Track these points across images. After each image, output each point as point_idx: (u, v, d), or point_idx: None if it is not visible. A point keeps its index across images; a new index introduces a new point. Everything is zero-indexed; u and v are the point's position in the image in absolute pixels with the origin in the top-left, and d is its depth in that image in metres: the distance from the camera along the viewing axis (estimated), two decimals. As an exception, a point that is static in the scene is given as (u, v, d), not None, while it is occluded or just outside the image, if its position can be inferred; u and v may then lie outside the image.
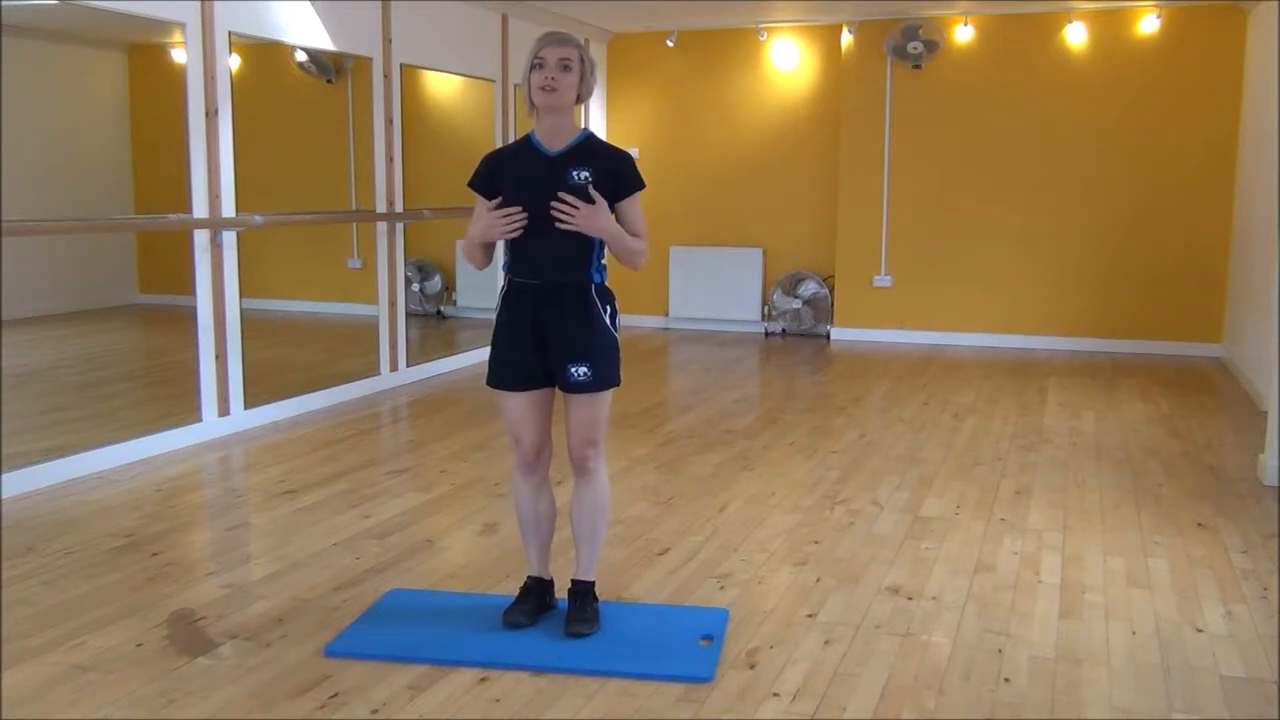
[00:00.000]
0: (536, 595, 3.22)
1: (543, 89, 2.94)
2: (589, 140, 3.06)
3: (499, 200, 3.02)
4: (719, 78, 9.30)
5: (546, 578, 3.25)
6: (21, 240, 5.17)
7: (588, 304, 3.06)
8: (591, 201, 2.96)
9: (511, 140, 3.09)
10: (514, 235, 2.99)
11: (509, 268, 3.10)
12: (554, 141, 3.02)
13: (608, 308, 3.11)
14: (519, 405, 3.10)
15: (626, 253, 3.07)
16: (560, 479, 4.74)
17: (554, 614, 3.21)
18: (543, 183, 2.98)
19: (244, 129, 5.58)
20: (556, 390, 3.13)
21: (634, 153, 9.44)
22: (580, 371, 3.02)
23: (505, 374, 3.10)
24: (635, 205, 3.08)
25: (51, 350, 6.69)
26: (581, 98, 3.03)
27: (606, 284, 3.14)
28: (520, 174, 3.03)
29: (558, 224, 2.94)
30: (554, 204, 2.92)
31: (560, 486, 4.61)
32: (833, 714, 2.69)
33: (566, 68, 2.95)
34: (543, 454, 3.15)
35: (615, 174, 3.02)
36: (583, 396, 3.06)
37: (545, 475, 3.18)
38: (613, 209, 3.04)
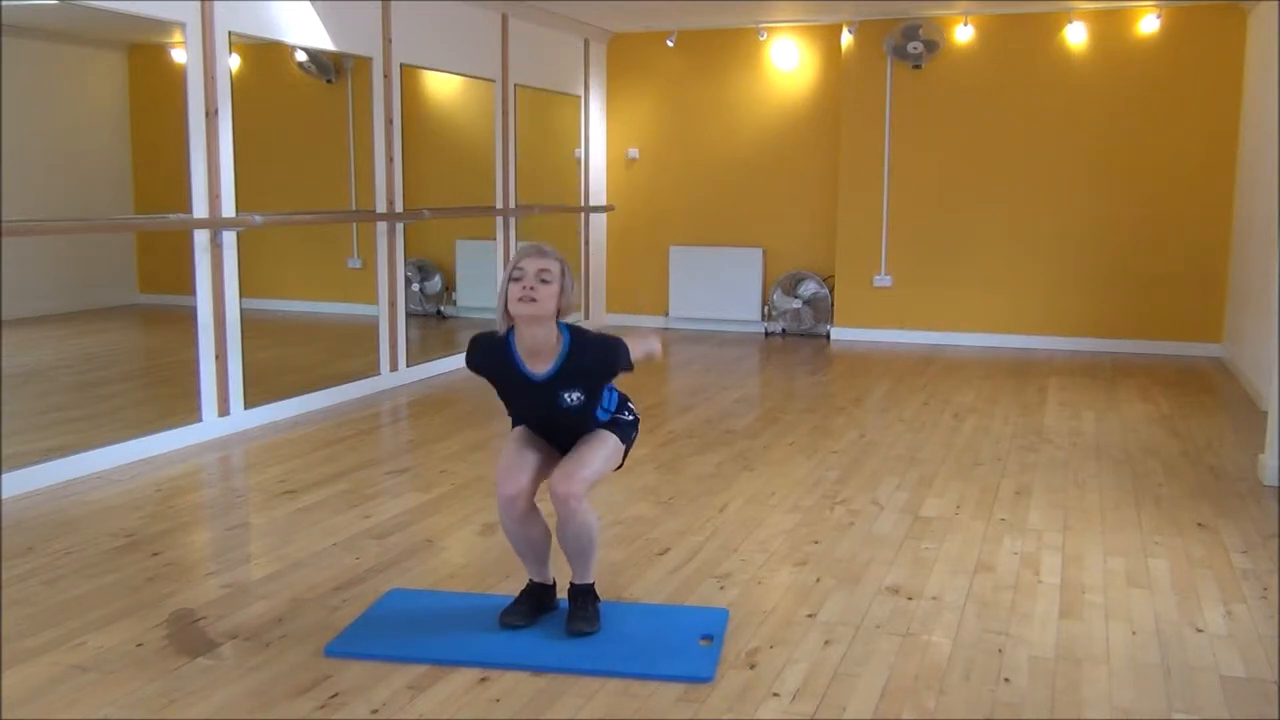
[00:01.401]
0: (535, 597, 3.22)
1: (521, 300, 2.89)
2: (572, 353, 2.98)
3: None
4: (719, 78, 9.30)
5: (548, 583, 3.26)
6: (21, 240, 5.17)
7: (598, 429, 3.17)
8: (587, 404, 3.04)
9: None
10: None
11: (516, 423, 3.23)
12: (537, 362, 2.98)
13: (625, 411, 3.20)
14: (526, 434, 3.13)
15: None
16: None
17: (554, 615, 3.21)
18: (537, 403, 3.05)
19: (244, 129, 5.58)
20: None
21: (633, 154, 9.45)
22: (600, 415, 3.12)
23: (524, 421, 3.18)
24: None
25: (51, 350, 6.68)
26: (562, 311, 2.97)
27: (614, 414, 3.18)
28: (513, 391, 3.09)
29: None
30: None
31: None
32: (833, 714, 2.69)
33: (545, 280, 2.90)
34: (524, 494, 3.04)
35: (609, 374, 3.06)
36: (593, 432, 3.09)
37: (529, 505, 3.07)
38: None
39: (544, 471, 3.10)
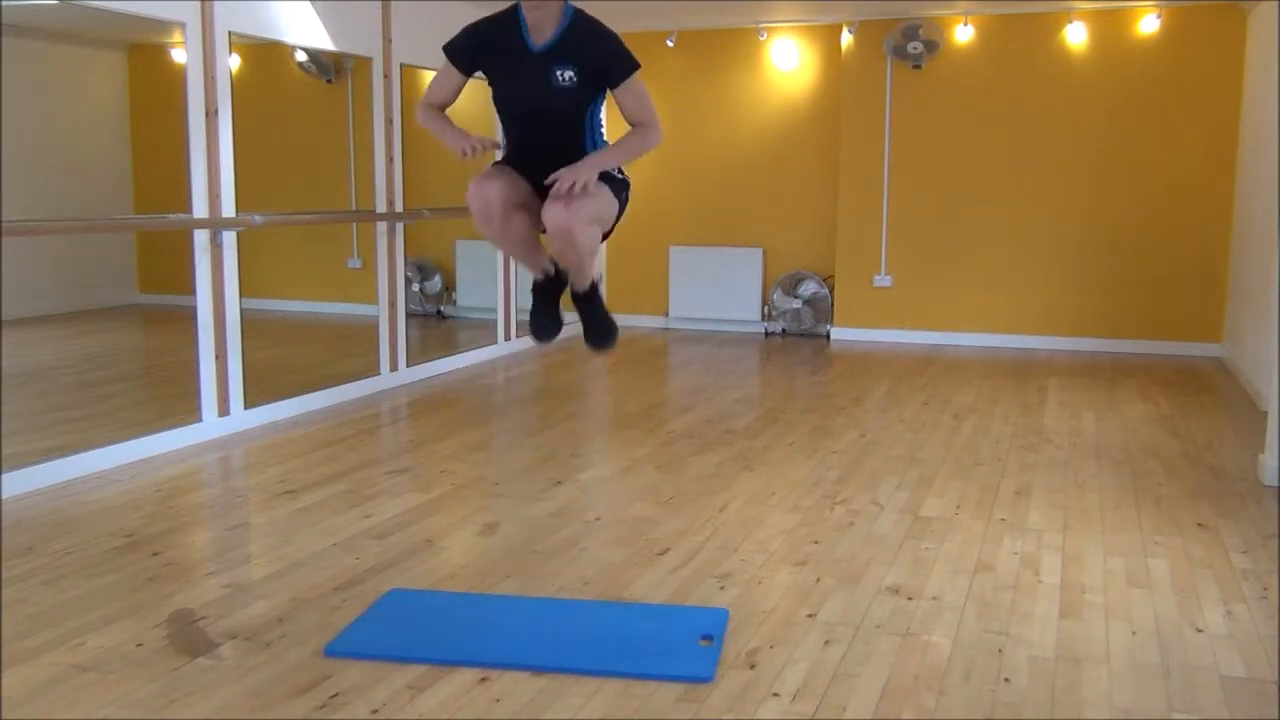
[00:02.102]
0: (547, 293, 2.98)
1: None
2: (573, 26, 2.85)
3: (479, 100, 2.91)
4: (719, 78, 9.30)
5: (551, 272, 3.04)
6: (21, 240, 5.17)
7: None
8: (586, 101, 2.81)
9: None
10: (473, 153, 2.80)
11: (505, 151, 2.98)
12: (540, 31, 2.85)
13: (616, 171, 2.95)
14: (500, 176, 2.84)
15: (635, 155, 2.87)
16: (559, 479, 4.75)
17: (544, 613, 3.20)
18: (528, 79, 2.85)
19: (244, 129, 5.58)
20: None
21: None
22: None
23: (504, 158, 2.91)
24: (633, 89, 2.87)
25: (51, 350, 6.69)
26: None
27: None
28: (505, 67, 2.87)
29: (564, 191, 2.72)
30: (548, 182, 2.73)
31: (559, 488, 4.62)
32: (833, 714, 2.69)
33: None
34: (496, 204, 2.79)
35: (603, 62, 2.85)
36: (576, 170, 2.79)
37: (505, 211, 2.82)
38: (603, 89, 2.87)
39: (518, 192, 2.87)
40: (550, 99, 2.85)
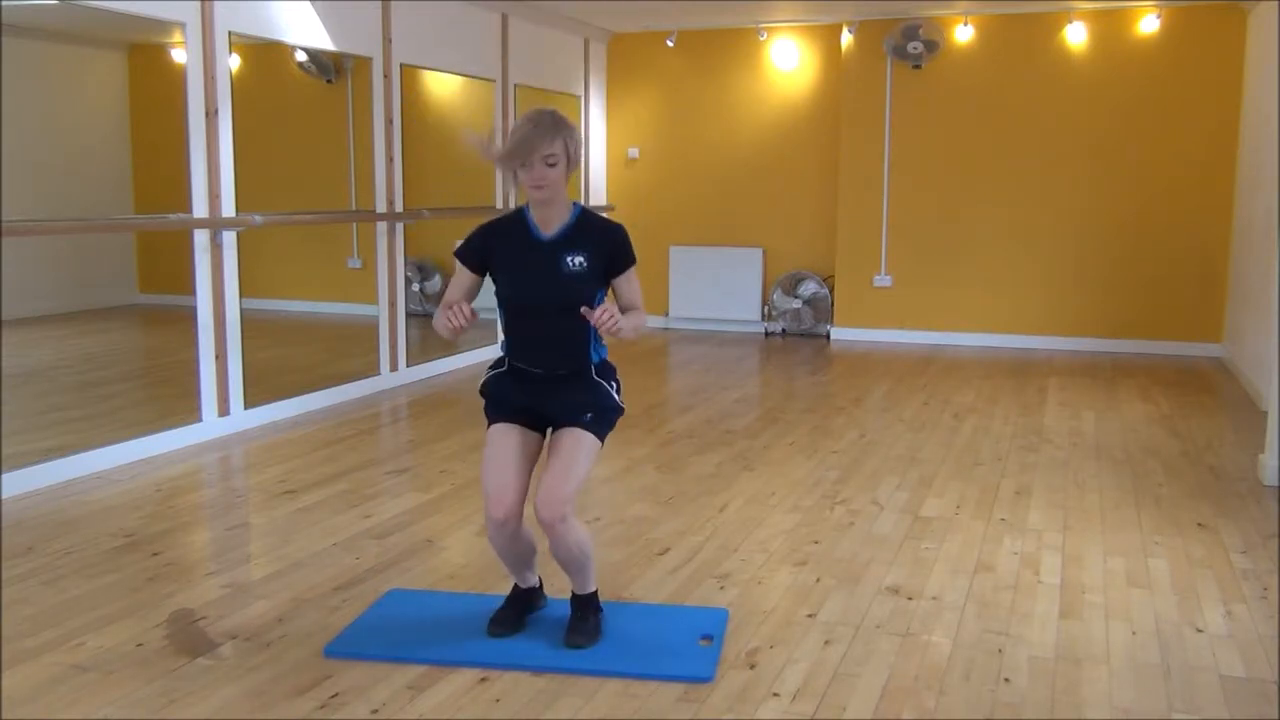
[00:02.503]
0: (522, 603, 3.18)
1: (535, 188, 2.89)
2: (581, 220, 3.01)
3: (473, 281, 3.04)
4: (719, 78, 9.30)
5: (534, 586, 3.22)
6: (21, 240, 5.16)
7: (591, 385, 3.04)
8: (593, 289, 2.97)
9: (505, 212, 3.05)
10: (455, 332, 2.92)
11: (506, 350, 3.08)
12: (548, 224, 2.98)
13: (613, 383, 3.08)
14: (506, 442, 3.00)
15: (634, 335, 3.02)
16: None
17: (547, 614, 3.19)
18: (538, 269, 2.96)
19: (244, 129, 5.58)
20: (542, 445, 3.07)
21: (633, 154, 9.45)
22: (581, 416, 3.00)
23: (499, 410, 3.06)
24: (632, 279, 3.06)
25: (51, 350, 6.68)
26: (571, 169, 2.97)
27: (608, 360, 3.11)
28: (515, 259, 2.99)
29: (602, 329, 2.87)
30: (594, 319, 2.84)
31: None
32: (833, 714, 2.69)
33: (552, 165, 2.88)
34: (514, 516, 2.97)
35: (611, 253, 3.00)
36: (574, 431, 2.97)
37: (519, 524, 3.01)
38: (606, 284, 3.03)
39: (529, 474, 3.02)
40: (559, 285, 2.94)
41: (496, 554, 3.12)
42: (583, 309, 2.83)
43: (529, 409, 3.06)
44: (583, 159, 3.07)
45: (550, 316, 2.95)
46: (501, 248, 3.01)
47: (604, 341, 3.09)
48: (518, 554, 3.09)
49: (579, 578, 3.11)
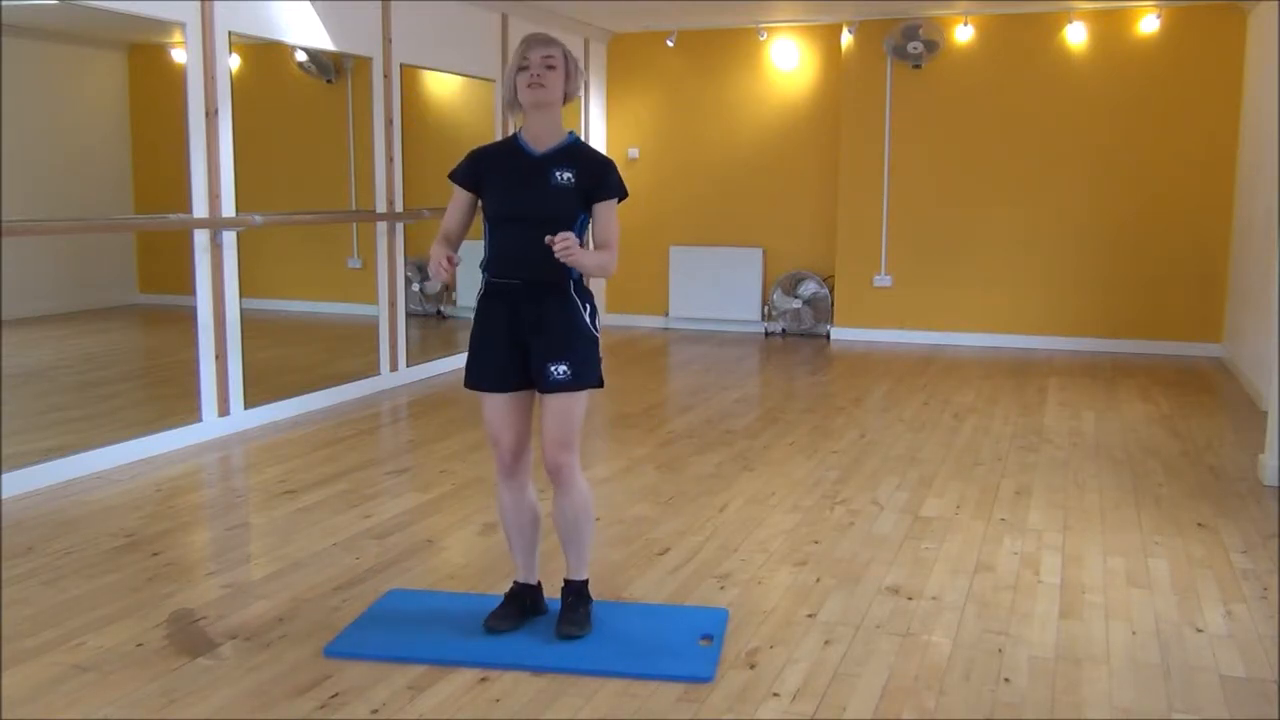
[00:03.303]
0: (521, 601, 3.20)
1: (530, 86, 2.97)
2: (575, 143, 3.08)
3: (469, 198, 3.10)
4: (719, 78, 9.30)
5: (533, 583, 3.24)
6: (21, 240, 5.17)
7: (567, 302, 3.05)
8: (576, 207, 3.01)
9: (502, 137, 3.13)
10: (440, 278, 3.01)
11: (487, 267, 3.09)
12: (540, 142, 3.05)
13: (587, 306, 3.09)
14: (497, 406, 3.09)
15: (597, 273, 3.04)
16: (544, 487, 4.74)
17: (543, 618, 3.20)
18: (526, 182, 3.01)
19: (244, 129, 5.58)
20: (534, 393, 3.11)
21: (634, 154, 9.45)
22: (559, 370, 3.00)
23: (483, 375, 3.09)
24: (610, 211, 3.07)
25: (51, 350, 6.68)
26: (569, 96, 3.06)
27: (585, 283, 3.11)
28: (504, 172, 3.05)
29: (554, 252, 2.87)
30: (548, 239, 2.85)
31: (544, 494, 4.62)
32: (833, 714, 2.69)
33: (551, 66, 2.99)
34: (522, 458, 3.13)
35: (598, 177, 3.03)
36: (560, 395, 3.02)
37: (526, 479, 3.15)
38: (589, 210, 3.05)
39: (528, 423, 3.10)
40: (547, 197, 3.00)
41: (504, 523, 3.17)
42: (546, 238, 2.86)
43: (510, 353, 3.05)
44: (577, 78, 3.09)
45: (534, 226, 2.96)
46: (493, 165, 3.09)
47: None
48: (521, 521, 3.16)
49: (575, 550, 3.13)
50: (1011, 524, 4.20)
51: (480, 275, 3.13)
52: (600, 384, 3.10)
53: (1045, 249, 8.50)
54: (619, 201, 3.09)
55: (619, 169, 3.12)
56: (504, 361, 3.06)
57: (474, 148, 3.18)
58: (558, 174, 2.99)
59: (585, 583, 3.18)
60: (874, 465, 5.05)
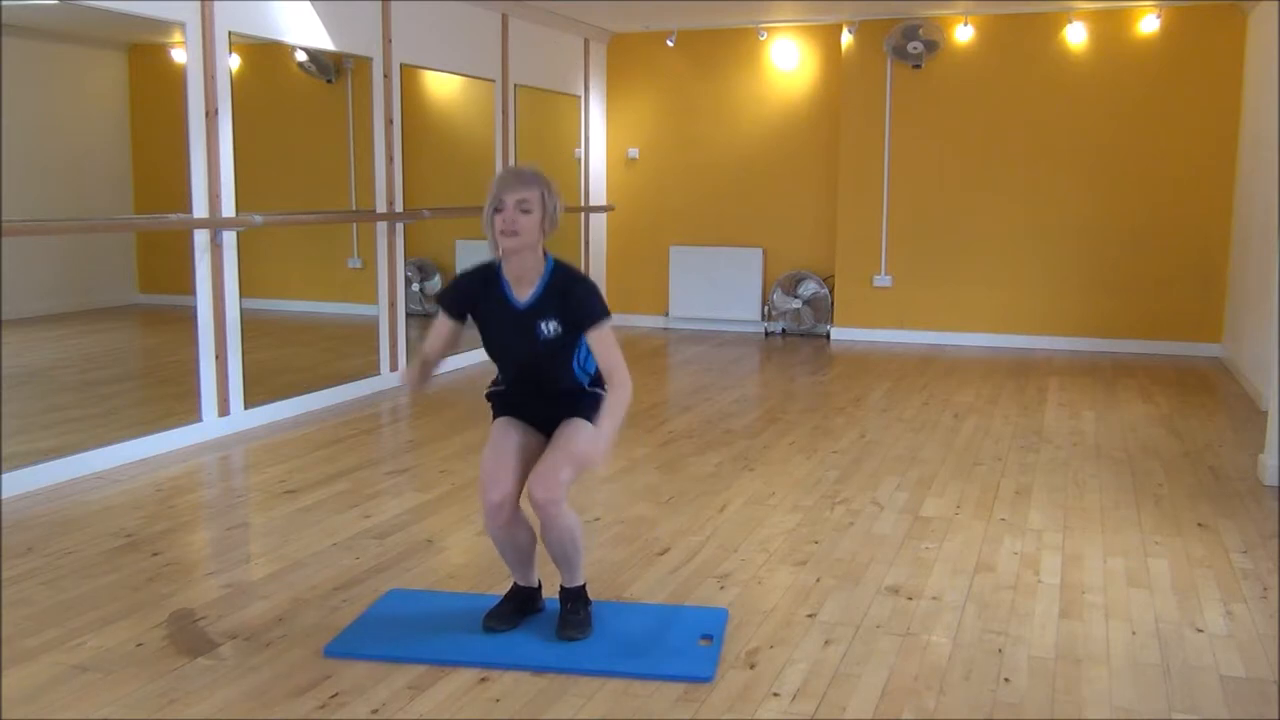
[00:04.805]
0: (520, 601, 3.20)
1: (503, 234, 2.91)
2: (553, 281, 3.01)
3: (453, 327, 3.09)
4: (719, 78, 9.30)
5: (532, 585, 3.24)
6: (21, 240, 5.17)
7: (584, 396, 3.11)
8: (571, 347, 3.03)
9: (487, 267, 3.12)
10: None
11: (498, 381, 3.19)
12: (521, 288, 3.01)
13: (601, 390, 3.11)
14: (508, 431, 3.08)
15: (622, 411, 2.97)
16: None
17: (542, 616, 3.20)
18: (516, 336, 3.04)
19: (244, 129, 5.58)
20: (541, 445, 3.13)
21: (633, 154, 9.45)
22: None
23: (505, 410, 3.16)
24: (604, 338, 2.98)
25: (51, 350, 6.68)
26: (546, 233, 2.99)
27: (593, 381, 3.14)
28: (493, 320, 3.06)
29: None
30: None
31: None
32: (833, 714, 2.69)
33: (526, 210, 2.91)
34: (507, 501, 3.02)
35: (582, 312, 2.99)
36: (573, 421, 3.04)
37: (514, 509, 3.05)
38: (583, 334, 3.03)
39: (527, 468, 3.05)
40: (538, 350, 3.02)
41: (496, 548, 3.15)
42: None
43: (533, 415, 3.14)
44: (556, 214, 3.04)
45: (534, 369, 3.06)
46: (482, 306, 3.07)
47: (593, 362, 3.13)
48: (516, 546, 3.12)
49: (568, 569, 3.14)
50: (1011, 524, 4.20)
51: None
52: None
53: (1045, 249, 8.50)
54: (607, 322, 3.02)
55: (599, 292, 3.07)
56: (526, 417, 3.14)
57: (461, 275, 3.12)
58: (543, 326, 2.98)
59: (583, 587, 3.18)
60: (874, 465, 5.05)
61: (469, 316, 3.09)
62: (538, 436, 3.13)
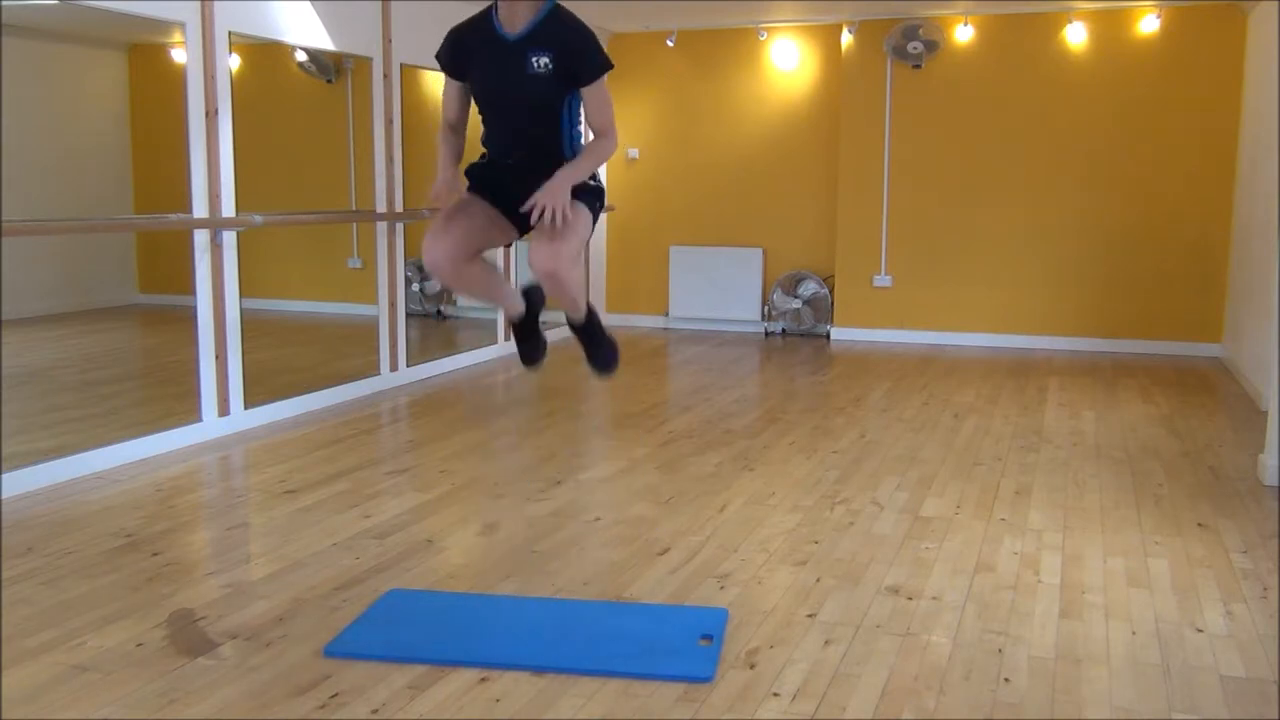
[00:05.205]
0: (527, 327, 3.05)
1: None
2: (550, 16, 2.85)
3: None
4: (719, 78, 9.30)
5: (522, 307, 3.09)
6: (21, 240, 5.17)
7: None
8: (561, 92, 2.82)
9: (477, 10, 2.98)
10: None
11: (485, 144, 2.99)
12: (514, 21, 2.84)
13: (592, 178, 2.94)
14: (470, 207, 2.88)
15: (598, 164, 2.86)
16: (559, 479, 4.75)
17: (545, 614, 3.19)
18: (502, 71, 2.84)
19: (244, 129, 5.58)
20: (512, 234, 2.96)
21: (633, 154, 9.45)
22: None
23: (476, 177, 2.95)
24: (599, 94, 2.84)
25: (51, 350, 6.69)
26: None
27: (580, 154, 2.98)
28: (481, 60, 2.87)
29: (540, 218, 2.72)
30: (524, 210, 2.74)
31: (559, 488, 4.62)
32: (833, 714, 2.69)
33: None
34: (444, 263, 2.81)
35: (579, 58, 2.82)
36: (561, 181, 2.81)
37: (453, 269, 2.84)
38: (576, 88, 2.85)
39: (474, 239, 2.89)
40: (526, 85, 2.83)
41: (460, 294, 3.03)
42: (532, 217, 2.74)
43: (508, 191, 2.93)
44: None
45: (521, 116, 2.85)
46: (472, 48, 2.91)
47: (580, 130, 2.95)
48: (472, 286, 2.98)
49: (574, 309, 3.02)
50: (1011, 524, 4.20)
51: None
52: (594, 213, 2.89)
53: (1045, 249, 8.51)
54: (606, 74, 2.84)
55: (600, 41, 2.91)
56: (499, 186, 2.91)
57: (453, 27, 2.97)
58: (534, 60, 2.80)
59: (588, 315, 3.01)
60: (874, 465, 5.05)
61: (465, 69, 2.92)
62: (504, 223, 2.94)
